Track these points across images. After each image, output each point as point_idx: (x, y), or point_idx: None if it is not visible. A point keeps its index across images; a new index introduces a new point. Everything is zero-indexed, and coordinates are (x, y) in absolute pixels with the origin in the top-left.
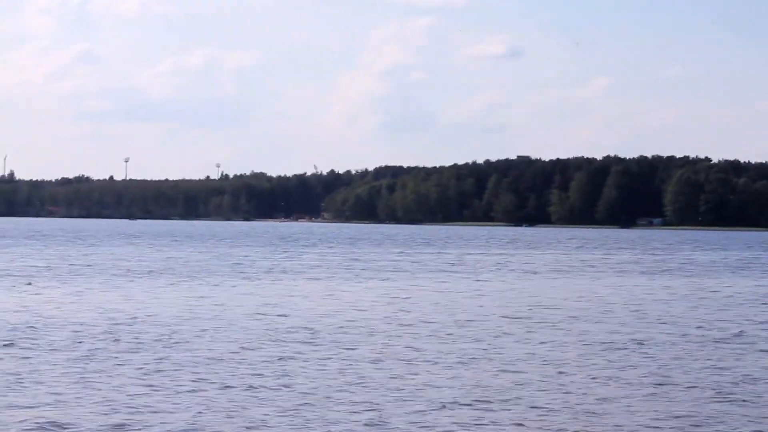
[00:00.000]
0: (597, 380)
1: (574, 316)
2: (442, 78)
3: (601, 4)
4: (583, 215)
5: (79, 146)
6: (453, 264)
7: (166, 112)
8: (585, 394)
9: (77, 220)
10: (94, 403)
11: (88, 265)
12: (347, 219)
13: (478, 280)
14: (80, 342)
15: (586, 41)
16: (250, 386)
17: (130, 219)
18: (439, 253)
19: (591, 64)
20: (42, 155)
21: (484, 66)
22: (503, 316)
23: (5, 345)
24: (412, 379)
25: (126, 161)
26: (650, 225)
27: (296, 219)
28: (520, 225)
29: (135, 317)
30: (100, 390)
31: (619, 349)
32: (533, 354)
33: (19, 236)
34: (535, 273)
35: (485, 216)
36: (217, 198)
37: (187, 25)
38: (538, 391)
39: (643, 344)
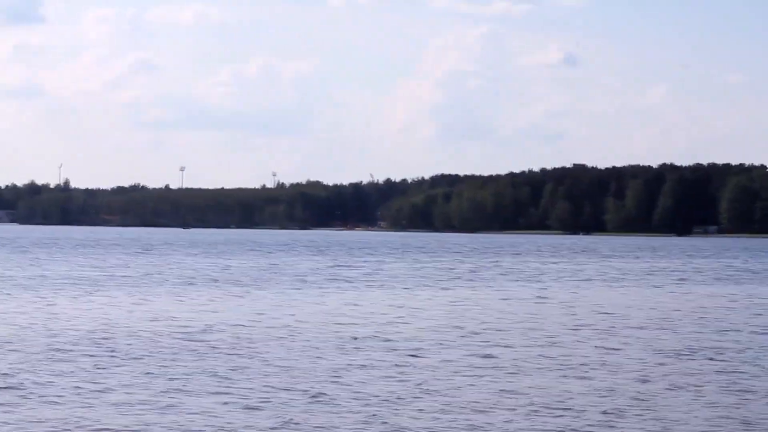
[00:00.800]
0: (678, 389)
1: (663, 324)
2: (499, 86)
3: (659, 11)
4: (639, 223)
5: (135, 155)
6: (542, 274)
7: (223, 121)
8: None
9: (133, 228)
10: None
11: (159, 274)
12: (403, 227)
13: (573, 292)
14: (159, 350)
15: (643, 49)
16: (320, 393)
17: (183, 228)
18: (523, 262)
19: (649, 71)
20: (98, 164)
21: (541, 74)
22: (579, 325)
23: (85, 355)
24: (513, 382)
25: (182, 170)
26: (705, 233)
27: (352, 228)
28: (576, 233)
29: (209, 325)
30: (185, 400)
31: (693, 358)
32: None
33: (85, 245)
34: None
35: (540, 224)
36: (272, 206)
37: (244, 34)
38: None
39: (722, 353)
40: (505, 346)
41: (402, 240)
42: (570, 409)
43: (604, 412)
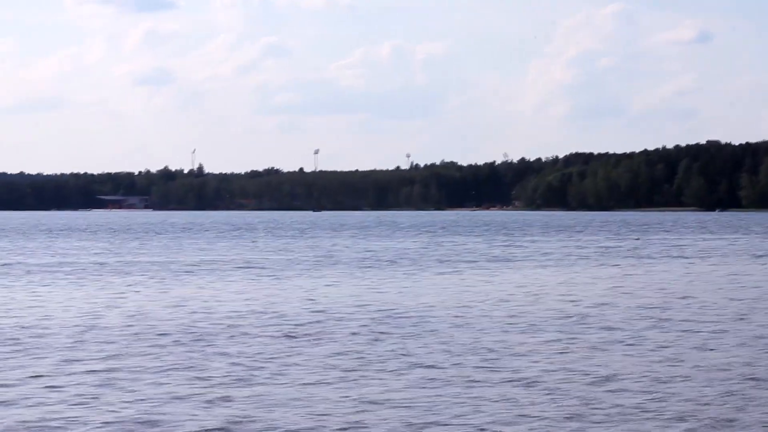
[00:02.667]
0: None
1: None
2: (631, 64)
3: None
4: None
5: (268, 139)
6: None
7: (356, 104)
8: None
9: (268, 212)
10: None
11: (328, 256)
12: (537, 207)
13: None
14: (354, 334)
15: None
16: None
17: (314, 211)
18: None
19: None
20: (231, 149)
21: (673, 51)
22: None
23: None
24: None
25: (316, 153)
26: None
27: (487, 208)
28: (713, 210)
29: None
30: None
31: None
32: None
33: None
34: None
35: (676, 201)
36: (407, 188)
37: (375, 16)
38: None
39: None
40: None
41: (543, 219)
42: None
43: None
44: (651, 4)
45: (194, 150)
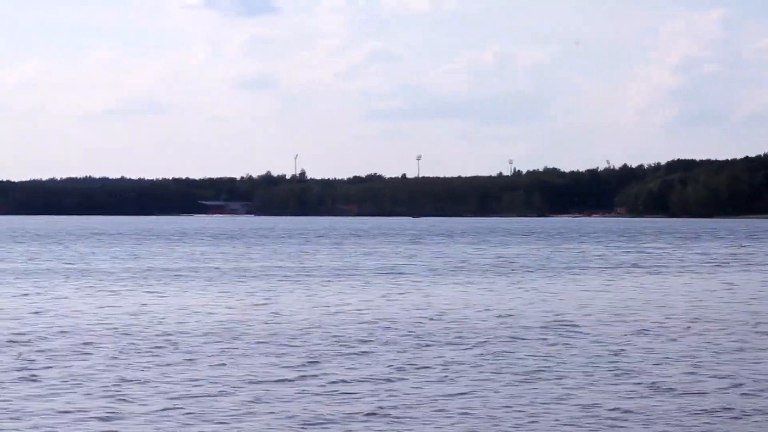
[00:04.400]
0: None
1: None
2: (733, 70)
3: None
4: None
5: (371, 144)
6: None
7: (459, 109)
8: None
9: (369, 218)
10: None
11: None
12: (639, 214)
13: None
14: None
15: None
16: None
17: (413, 217)
18: None
19: None
20: (334, 154)
21: None
22: None
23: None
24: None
25: (418, 158)
26: None
27: (589, 214)
28: None
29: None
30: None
31: None
32: None
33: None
34: None
35: None
36: (509, 194)
37: (479, 22)
38: None
39: None
40: None
41: (659, 226)
42: None
43: None
44: (753, 11)
45: (297, 155)
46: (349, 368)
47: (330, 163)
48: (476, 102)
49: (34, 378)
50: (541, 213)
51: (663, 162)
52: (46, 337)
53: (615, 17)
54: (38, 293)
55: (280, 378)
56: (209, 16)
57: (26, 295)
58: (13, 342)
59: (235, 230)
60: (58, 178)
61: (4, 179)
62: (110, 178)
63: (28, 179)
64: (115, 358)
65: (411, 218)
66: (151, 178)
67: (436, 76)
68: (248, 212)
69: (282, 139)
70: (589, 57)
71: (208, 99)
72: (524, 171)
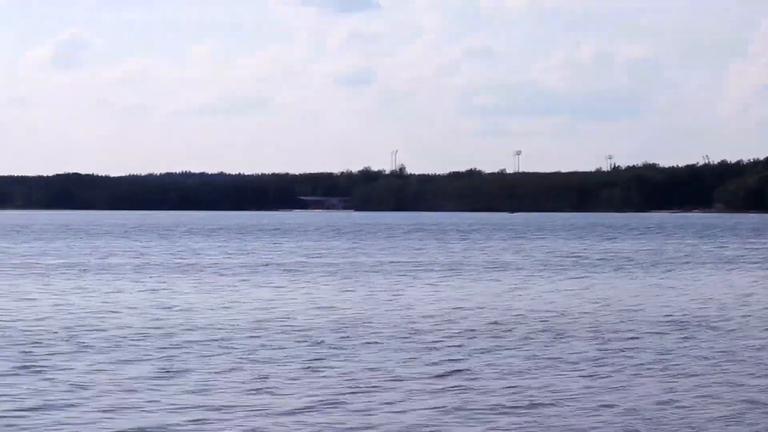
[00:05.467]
0: None
1: None
2: None
3: None
4: None
5: (469, 140)
6: None
7: (558, 105)
8: None
9: (468, 213)
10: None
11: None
12: (737, 209)
13: None
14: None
15: None
16: None
17: (510, 212)
18: None
19: None
20: (432, 149)
21: None
22: None
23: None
24: None
25: (517, 154)
26: None
27: (688, 210)
28: None
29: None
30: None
31: None
32: None
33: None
34: None
35: None
36: (607, 190)
37: (577, 18)
38: None
39: None
40: None
41: (749, 222)
42: None
43: None
44: None
45: (396, 151)
46: (488, 363)
47: (429, 158)
48: (575, 98)
49: (183, 372)
50: (639, 209)
51: (762, 157)
52: (178, 333)
53: (713, 12)
54: (163, 288)
55: (424, 374)
56: (308, 12)
57: (154, 290)
58: (153, 337)
59: (339, 225)
60: (157, 174)
61: (103, 174)
62: (208, 173)
63: (126, 174)
64: (254, 352)
65: (507, 213)
66: (249, 174)
67: (535, 72)
68: (347, 207)
69: (381, 134)
70: (688, 52)
71: (308, 94)
72: (623, 167)
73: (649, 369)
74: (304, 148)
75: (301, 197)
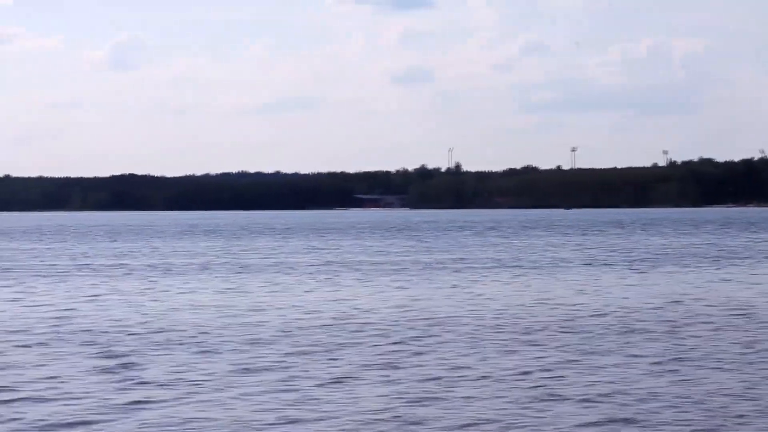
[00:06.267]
0: None
1: None
2: None
3: None
4: None
5: (525, 137)
6: None
7: (614, 101)
8: None
9: (524, 210)
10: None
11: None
12: None
13: None
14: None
15: None
16: None
17: (566, 209)
18: None
19: None
20: (488, 146)
21: None
22: None
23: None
24: None
25: (573, 150)
26: None
27: (744, 205)
28: None
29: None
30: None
31: None
32: None
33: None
34: None
35: None
36: (663, 185)
37: (632, 13)
38: None
39: None
40: None
41: None
42: None
43: None
44: None
45: (451, 148)
46: (570, 360)
47: (485, 155)
48: (630, 93)
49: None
50: (695, 204)
51: None
52: (274, 336)
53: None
54: (268, 289)
55: (522, 370)
56: (363, 10)
57: (251, 293)
58: (257, 338)
59: (398, 223)
60: (213, 174)
61: (159, 175)
62: (265, 172)
63: (182, 175)
64: (343, 345)
65: (563, 210)
66: (305, 173)
67: (591, 68)
68: (403, 205)
69: (436, 132)
70: (743, 46)
71: (363, 93)
72: (678, 162)
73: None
74: (360, 146)
75: (357, 195)
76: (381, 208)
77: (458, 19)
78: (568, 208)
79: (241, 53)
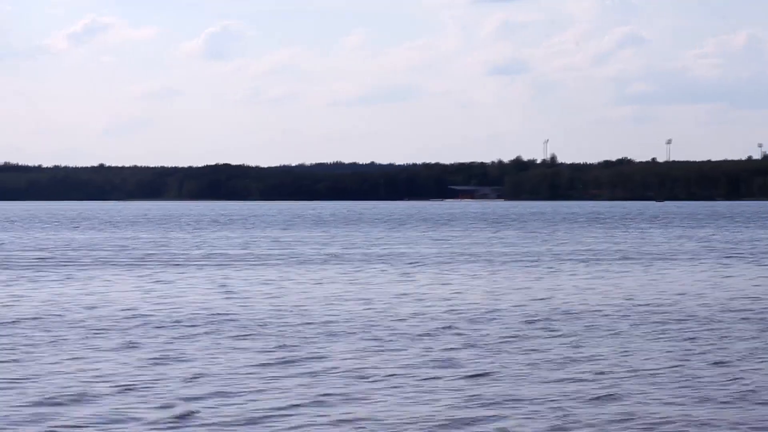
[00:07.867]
0: None
1: None
2: None
3: None
4: None
5: (621, 129)
6: None
7: (710, 93)
8: None
9: (619, 202)
10: None
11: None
12: None
13: None
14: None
15: None
16: None
17: (656, 201)
18: None
19: None
20: (583, 138)
21: None
22: None
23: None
24: None
25: (668, 143)
26: None
27: None
28: None
29: None
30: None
31: None
32: None
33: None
34: None
35: None
36: (759, 178)
37: (731, 5)
38: None
39: None
40: None
41: None
42: None
43: None
44: None
45: (547, 140)
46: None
47: (580, 147)
48: (727, 85)
49: (447, 356)
50: None
51: None
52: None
53: None
54: (410, 278)
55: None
56: (460, 1)
57: (381, 285)
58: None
59: (495, 215)
60: (308, 164)
61: (254, 165)
62: (360, 163)
63: (277, 165)
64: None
65: (655, 202)
66: (401, 164)
67: (687, 60)
68: (499, 197)
69: (532, 123)
70: None
71: (460, 84)
72: None
73: None
74: (455, 137)
75: (453, 186)
76: (476, 200)
77: (555, 11)
78: (660, 201)
79: (337, 44)
